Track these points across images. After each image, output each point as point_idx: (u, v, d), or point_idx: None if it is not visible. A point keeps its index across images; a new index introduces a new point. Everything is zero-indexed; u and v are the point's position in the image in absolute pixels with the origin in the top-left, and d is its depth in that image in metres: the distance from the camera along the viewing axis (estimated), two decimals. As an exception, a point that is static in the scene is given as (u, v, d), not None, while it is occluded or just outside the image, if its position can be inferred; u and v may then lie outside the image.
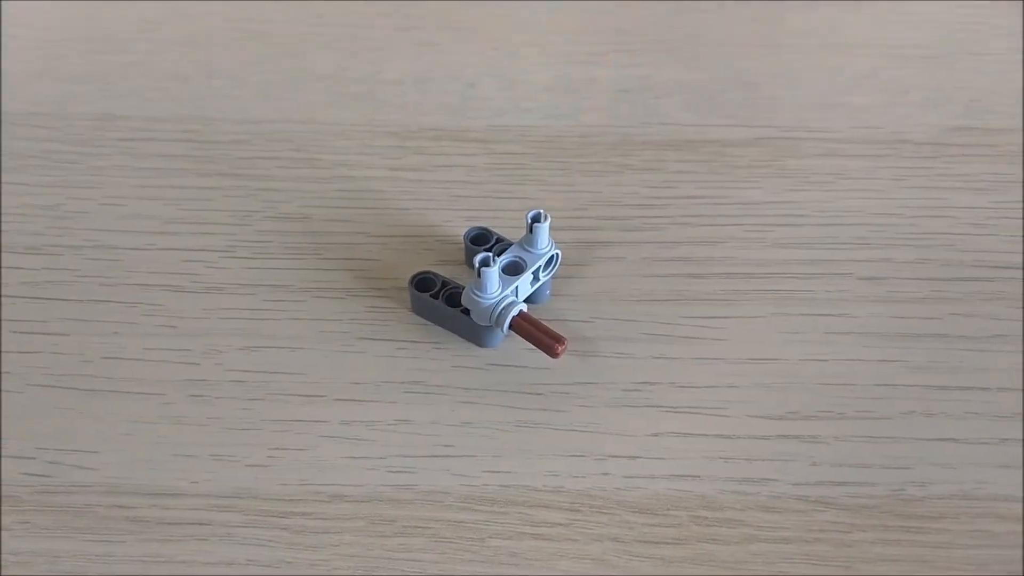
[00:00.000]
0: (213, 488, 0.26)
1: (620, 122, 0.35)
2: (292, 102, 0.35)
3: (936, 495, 0.26)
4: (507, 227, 0.30)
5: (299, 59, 0.37)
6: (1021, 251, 0.30)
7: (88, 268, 0.31)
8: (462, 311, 0.28)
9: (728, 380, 0.28)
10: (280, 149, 0.34)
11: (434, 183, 0.33)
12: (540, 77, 0.36)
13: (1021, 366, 0.28)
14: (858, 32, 0.38)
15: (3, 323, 0.29)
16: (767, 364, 0.28)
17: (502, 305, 0.27)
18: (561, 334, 0.27)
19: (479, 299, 0.27)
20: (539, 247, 0.28)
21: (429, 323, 0.29)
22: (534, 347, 0.27)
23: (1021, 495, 0.25)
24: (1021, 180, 0.32)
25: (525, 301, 0.28)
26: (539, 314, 0.28)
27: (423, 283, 0.29)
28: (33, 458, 0.26)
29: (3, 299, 0.30)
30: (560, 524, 0.25)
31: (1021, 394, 0.27)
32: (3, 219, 0.32)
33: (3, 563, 0.25)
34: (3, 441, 0.27)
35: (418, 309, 0.29)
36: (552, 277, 0.29)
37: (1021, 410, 0.27)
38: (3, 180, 0.33)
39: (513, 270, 0.28)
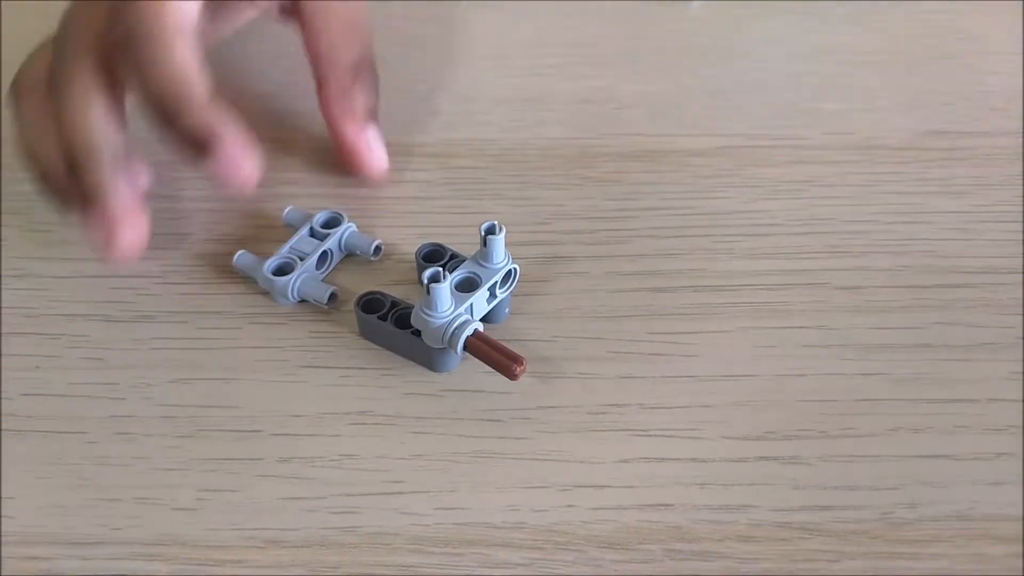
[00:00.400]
0: (137, 535, 0.23)
1: (581, 134, 0.33)
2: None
3: (928, 516, 0.24)
4: (463, 244, 0.28)
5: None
6: (1002, 255, 0.29)
7: (9, 299, 0.28)
8: (413, 333, 0.26)
9: (701, 399, 0.26)
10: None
11: (386, 199, 0.31)
12: (496, 90, 0.35)
13: (1010, 376, 0.26)
14: (824, 39, 0.37)
15: (-89, 360, 0.27)
16: (742, 381, 0.26)
17: (455, 324, 0.25)
18: (520, 354, 0.25)
19: (430, 318, 0.25)
20: (494, 261, 0.27)
21: (378, 347, 0.27)
22: (492, 370, 0.25)
23: (1020, 514, 0.24)
24: (998, 182, 0.31)
25: (482, 321, 0.26)
26: (497, 334, 0.26)
27: (370, 304, 0.27)
28: (-63, 508, 0.24)
29: (-88, 334, 0.27)
30: (521, 564, 0.23)
31: (1016, 404, 0.26)
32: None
33: None
34: (-96, 490, 0.24)
35: (365, 332, 0.27)
36: (510, 294, 0.27)
37: (1017, 422, 0.25)
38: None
39: (467, 286, 0.26)
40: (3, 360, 0.27)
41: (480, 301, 0.26)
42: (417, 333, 0.26)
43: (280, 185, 0.31)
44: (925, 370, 0.26)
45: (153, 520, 0.24)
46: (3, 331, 0.28)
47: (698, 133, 0.33)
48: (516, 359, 0.25)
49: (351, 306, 0.27)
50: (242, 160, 0.26)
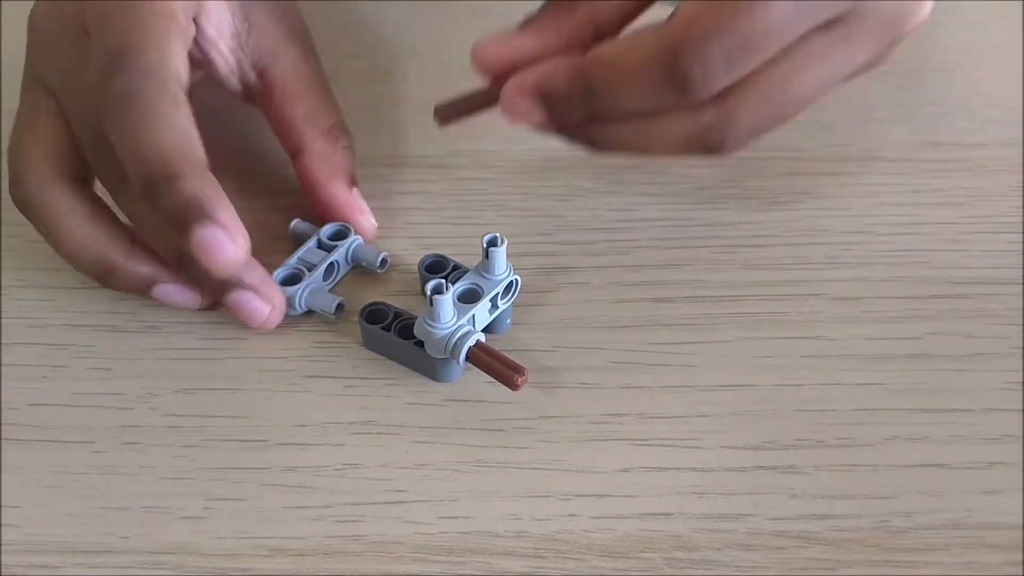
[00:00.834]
0: (144, 544, 0.24)
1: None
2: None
3: (924, 525, 0.24)
4: (466, 255, 0.28)
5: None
6: (998, 266, 0.29)
7: (15, 309, 0.29)
8: (416, 343, 0.26)
9: (700, 409, 0.26)
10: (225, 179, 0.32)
11: (389, 211, 0.31)
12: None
13: (1006, 386, 0.26)
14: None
15: (-80, 370, 0.27)
16: (740, 391, 0.27)
17: (458, 335, 0.26)
18: (521, 364, 0.25)
19: (433, 329, 0.26)
20: (496, 272, 0.27)
21: (381, 357, 0.27)
22: (494, 380, 0.26)
23: (1015, 522, 0.24)
24: (995, 193, 0.32)
25: (484, 331, 0.27)
26: (499, 344, 0.27)
27: (374, 315, 0.27)
28: (-54, 517, 0.24)
29: (-78, 345, 0.28)
30: (524, 573, 0.23)
31: (1011, 414, 0.26)
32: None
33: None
34: (-86, 499, 0.25)
35: (369, 343, 0.28)
36: (512, 305, 0.28)
37: (1012, 431, 0.26)
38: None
39: (469, 298, 0.27)
40: (10, 370, 0.27)
41: (482, 312, 0.27)
42: (420, 344, 0.26)
43: (286, 197, 0.32)
44: (921, 380, 0.27)
45: (160, 529, 0.24)
46: (10, 342, 0.28)
47: (697, 144, 0.33)
48: (517, 369, 0.25)
49: (355, 317, 0.28)
50: (226, 243, 0.24)
